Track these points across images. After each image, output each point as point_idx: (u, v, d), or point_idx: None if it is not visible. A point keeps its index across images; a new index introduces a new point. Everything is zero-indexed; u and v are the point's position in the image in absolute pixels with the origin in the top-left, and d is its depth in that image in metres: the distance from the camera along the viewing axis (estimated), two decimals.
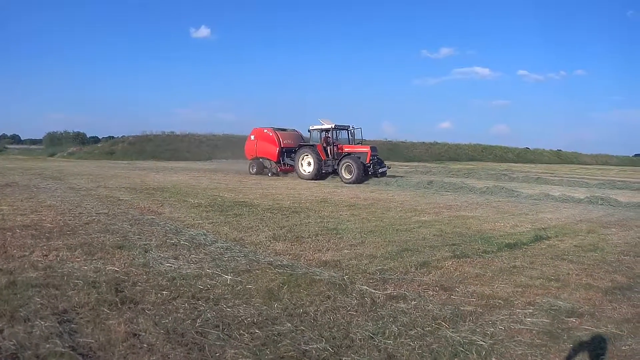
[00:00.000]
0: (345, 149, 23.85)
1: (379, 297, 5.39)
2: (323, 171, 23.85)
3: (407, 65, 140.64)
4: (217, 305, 4.86)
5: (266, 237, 8.37)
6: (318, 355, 3.88)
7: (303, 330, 4.34)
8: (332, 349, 4.00)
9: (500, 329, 4.65)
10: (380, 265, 6.78)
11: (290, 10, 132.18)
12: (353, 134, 24.83)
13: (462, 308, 5.19)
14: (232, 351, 3.85)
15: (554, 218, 12.86)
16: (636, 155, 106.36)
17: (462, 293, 5.76)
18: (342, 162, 22.91)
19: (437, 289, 5.87)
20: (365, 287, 5.73)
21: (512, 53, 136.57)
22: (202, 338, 4.06)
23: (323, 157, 23.65)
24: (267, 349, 3.93)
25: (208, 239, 8.03)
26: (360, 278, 6.12)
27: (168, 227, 8.95)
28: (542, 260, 7.69)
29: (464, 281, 6.27)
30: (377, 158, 23.75)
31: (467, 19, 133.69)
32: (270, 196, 15.18)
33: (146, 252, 6.88)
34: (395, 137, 73.71)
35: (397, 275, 6.34)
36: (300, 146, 24.82)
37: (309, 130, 25.19)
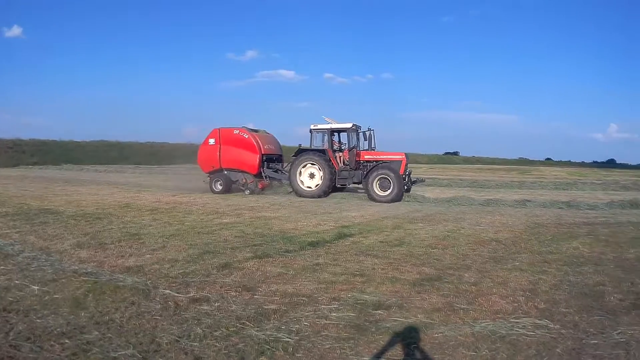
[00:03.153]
0: (366, 156, 21.92)
1: (182, 301, 6.15)
2: (338, 185, 21.94)
3: (213, 68, 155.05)
4: (27, 316, 5.43)
5: (71, 245, 9.35)
6: None
7: (111, 337, 4.93)
8: (139, 354, 4.57)
9: (305, 325, 5.38)
10: (182, 269, 7.75)
11: (101, 12, 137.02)
12: (370, 138, 22.16)
13: (265, 307, 5.93)
14: None
15: (358, 216, 14.75)
16: (447, 153, 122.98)
17: (265, 292, 6.57)
18: (375, 173, 20.82)
19: (240, 289, 6.68)
20: (169, 291, 6.54)
21: (319, 57, 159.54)
22: (15, 351, 4.54)
23: (336, 166, 21.66)
24: (77, 358, 4.48)
25: (15, 249, 8.90)
26: (163, 282, 6.97)
27: None
28: (345, 256, 8.90)
29: (267, 280, 7.16)
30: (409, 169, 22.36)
31: (273, 23, 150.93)
32: (75, 202, 16.70)
33: None
34: (199, 140, 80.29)
35: (199, 278, 7.25)
36: (300, 151, 22.16)
37: (310, 131, 22.35)
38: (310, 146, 22.21)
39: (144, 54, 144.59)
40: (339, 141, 22.69)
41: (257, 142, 22.82)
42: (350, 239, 10.77)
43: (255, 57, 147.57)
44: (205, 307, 5.89)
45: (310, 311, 5.85)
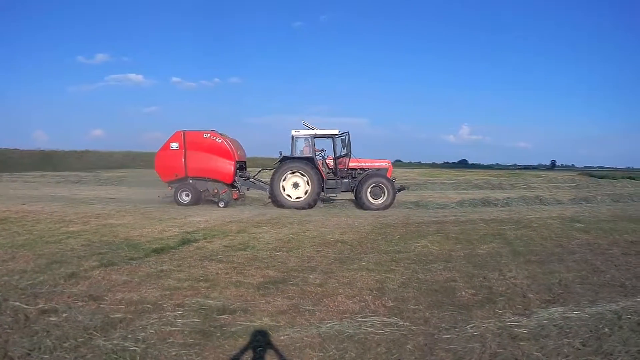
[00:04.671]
0: (351, 164, 21.81)
1: (31, 313, 6.35)
2: (326, 195, 21.75)
3: (62, 71, 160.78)
4: None
5: None
6: None
7: None
8: None
9: (151, 332, 5.71)
10: (31, 280, 7.92)
11: None
12: (348, 144, 21.91)
13: (112, 316, 6.21)
14: None
15: (203, 221, 15.34)
16: None
17: (111, 301, 6.87)
18: (368, 182, 20.90)
19: (87, 299, 6.95)
20: (18, 303, 6.68)
21: (167, 61, 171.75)
22: None
23: (323, 175, 21.16)
24: None
25: None
26: (13, 294, 7.11)
27: None
28: (189, 262, 9.38)
29: (112, 289, 7.47)
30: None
31: (122, 26, 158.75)
32: None
33: None
34: (49, 146, 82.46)
35: (48, 289, 7.46)
36: (284, 159, 21.20)
37: (292, 137, 21.42)
38: (292, 153, 21.60)
39: None
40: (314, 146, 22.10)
41: (230, 147, 21.75)
42: (195, 244, 11.25)
43: (106, 61, 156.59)
44: (53, 318, 6.09)
45: (156, 319, 6.18)
